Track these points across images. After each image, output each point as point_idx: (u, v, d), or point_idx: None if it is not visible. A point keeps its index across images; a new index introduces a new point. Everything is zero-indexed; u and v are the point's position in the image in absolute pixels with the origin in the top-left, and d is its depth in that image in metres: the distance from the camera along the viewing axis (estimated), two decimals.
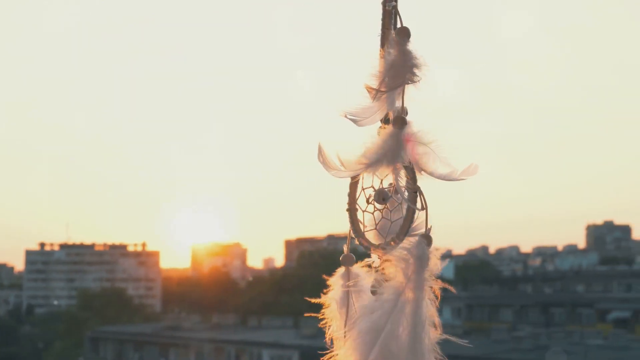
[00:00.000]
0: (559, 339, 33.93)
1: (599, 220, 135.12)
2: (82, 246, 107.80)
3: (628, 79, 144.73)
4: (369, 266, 1.24)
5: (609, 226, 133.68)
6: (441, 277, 1.16)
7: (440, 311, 1.17)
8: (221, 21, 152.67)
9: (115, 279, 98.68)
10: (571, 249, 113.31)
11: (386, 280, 1.16)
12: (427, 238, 1.16)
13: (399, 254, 1.15)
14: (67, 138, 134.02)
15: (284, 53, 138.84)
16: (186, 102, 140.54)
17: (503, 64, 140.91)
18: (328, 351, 1.22)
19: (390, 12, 1.20)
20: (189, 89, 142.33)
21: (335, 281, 1.25)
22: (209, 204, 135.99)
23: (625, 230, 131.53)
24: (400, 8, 1.20)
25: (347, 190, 1.23)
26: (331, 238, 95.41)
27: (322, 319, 1.25)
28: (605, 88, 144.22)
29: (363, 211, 1.23)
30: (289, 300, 51.00)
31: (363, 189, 1.23)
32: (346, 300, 1.24)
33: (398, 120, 1.17)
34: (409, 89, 1.17)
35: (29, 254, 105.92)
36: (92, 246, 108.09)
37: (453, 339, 1.18)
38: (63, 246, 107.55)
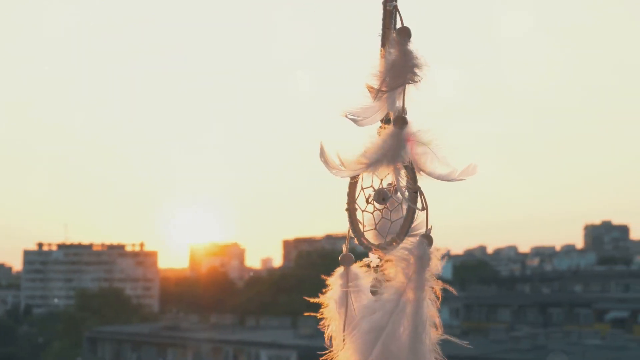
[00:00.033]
0: (556, 339, 33.96)
1: (597, 220, 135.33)
2: (80, 246, 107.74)
3: (628, 79, 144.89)
4: (368, 266, 1.24)
5: (607, 226, 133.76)
6: (439, 277, 1.16)
7: (438, 311, 1.17)
8: (221, 21, 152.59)
9: (113, 279, 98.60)
10: (569, 249, 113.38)
11: (387, 281, 1.16)
12: (427, 238, 1.16)
13: (399, 254, 1.15)
14: (66, 138, 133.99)
15: (284, 53, 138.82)
16: (185, 102, 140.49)
17: (503, 64, 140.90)
18: (327, 351, 1.22)
19: (391, 12, 1.20)
20: (188, 89, 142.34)
21: (335, 281, 1.26)
22: (207, 204, 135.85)
23: (623, 230, 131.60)
24: (400, 8, 1.20)
25: (346, 190, 1.23)
26: (329, 238, 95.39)
27: (321, 319, 1.25)
28: (604, 88, 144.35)
29: (362, 211, 1.23)
30: (287, 300, 51.01)
31: (362, 189, 1.23)
32: (345, 300, 1.24)
33: (399, 120, 1.17)
34: (410, 88, 1.17)
35: (26, 254, 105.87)
36: (90, 246, 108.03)
37: (452, 339, 1.18)
38: (61, 246, 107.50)
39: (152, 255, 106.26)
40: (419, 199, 1.17)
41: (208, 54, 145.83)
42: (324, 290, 1.26)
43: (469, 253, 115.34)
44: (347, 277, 1.24)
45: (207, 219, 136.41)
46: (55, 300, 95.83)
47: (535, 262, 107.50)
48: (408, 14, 1.18)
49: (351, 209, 1.23)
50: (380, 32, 1.21)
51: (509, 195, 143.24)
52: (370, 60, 1.18)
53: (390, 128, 1.17)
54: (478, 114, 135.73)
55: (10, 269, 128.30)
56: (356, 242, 1.23)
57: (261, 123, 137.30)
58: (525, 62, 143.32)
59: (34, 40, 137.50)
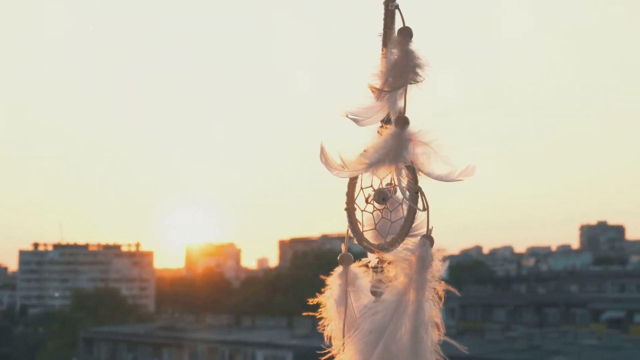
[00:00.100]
0: (552, 339, 33.97)
1: (593, 221, 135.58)
2: (75, 246, 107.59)
3: (628, 79, 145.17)
4: (367, 266, 1.24)
5: (602, 226, 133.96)
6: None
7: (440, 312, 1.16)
8: (221, 21, 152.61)
9: (109, 279, 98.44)
10: (565, 249, 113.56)
11: (388, 281, 1.16)
12: (429, 239, 1.16)
13: (401, 255, 1.15)
14: (64, 138, 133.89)
15: (284, 53, 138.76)
16: (185, 102, 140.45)
17: (503, 64, 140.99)
18: (325, 351, 1.22)
19: (392, 12, 1.20)
20: (188, 89, 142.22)
21: (334, 280, 1.25)
22: (203, 204, 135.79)
23: (619, 230, 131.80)
24: (401, 8, 1.20)
25: (346, 189, 1.23)
26: (325, 238, 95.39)
27: (318, 319, 1.25)
28: (604, 88, 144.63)
29: (362, 211, 1.23)
30: (282, 301, 51.03)
31: (362, 189, 1.23)
32: (344, 299, 1.24)
33: (400, 120, 1.17)
34: (411, 88, 1.17)
35: (22, 254, 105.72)
36: (85, 246, 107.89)
37: (451, 341, 1.18)
38: (57, 246, 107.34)
39: (148, 255, 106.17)
40: (419, 200, 1.17)
41: (208, 54, 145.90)
42: (322, 289, 1.26)
43: (465, 253, 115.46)
44: (346, 277, 1.24)
45: (203, 219, 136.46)
46: (56, 294, 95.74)
47: (531, 262, 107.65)
48: (408, 14, 1.18)
49: (350, 209, 1.23)
50: (382, 32, 1.21)
51: (505, 195, 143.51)
52: (370, 60, 1.18)
53: (391, 128, 1.17)
54: (477, 114, 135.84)
55: (5, 269, 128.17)
56: (355, 242, 1.23)
57: (261, 123, 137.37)
58: (525, 62, 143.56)
59: (34, 40, 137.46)
